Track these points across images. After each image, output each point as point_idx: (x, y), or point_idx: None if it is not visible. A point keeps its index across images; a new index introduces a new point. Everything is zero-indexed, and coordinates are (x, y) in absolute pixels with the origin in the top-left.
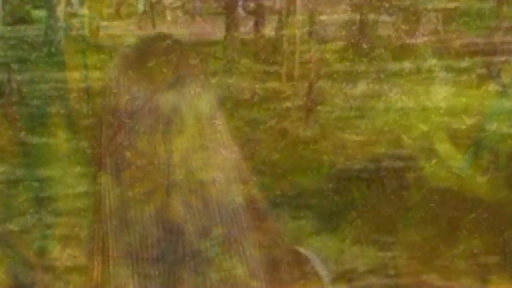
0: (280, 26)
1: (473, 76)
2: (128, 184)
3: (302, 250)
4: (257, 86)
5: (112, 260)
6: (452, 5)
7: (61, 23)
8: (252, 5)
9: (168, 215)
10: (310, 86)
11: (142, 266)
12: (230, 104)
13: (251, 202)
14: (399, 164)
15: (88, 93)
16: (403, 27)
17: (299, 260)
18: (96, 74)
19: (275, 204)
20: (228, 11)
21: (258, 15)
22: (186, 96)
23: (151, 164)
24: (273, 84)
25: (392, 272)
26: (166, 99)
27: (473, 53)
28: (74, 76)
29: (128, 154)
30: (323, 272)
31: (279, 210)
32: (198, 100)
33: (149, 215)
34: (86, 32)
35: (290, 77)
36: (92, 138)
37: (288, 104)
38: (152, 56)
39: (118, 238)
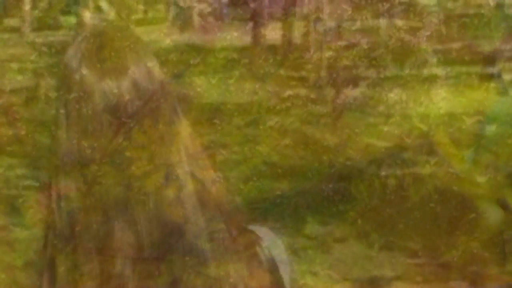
0: (307, 32)
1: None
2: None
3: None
4: (283, 91)
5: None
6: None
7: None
8: (279, 11)
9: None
10: (337, 92)
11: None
12: (256, 110)
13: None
14: (431, 169)
15: None
16: (427, 33)
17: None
18: None
19: (303, 208)
20: (255, 17)
21: (285, 21)
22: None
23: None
24: (300, 90)
25: (419, 278)
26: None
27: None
28: None
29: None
30: (273, 253)
31: (307, 214)
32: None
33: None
34: None
35: (317, 82)
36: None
37: (315, 109)
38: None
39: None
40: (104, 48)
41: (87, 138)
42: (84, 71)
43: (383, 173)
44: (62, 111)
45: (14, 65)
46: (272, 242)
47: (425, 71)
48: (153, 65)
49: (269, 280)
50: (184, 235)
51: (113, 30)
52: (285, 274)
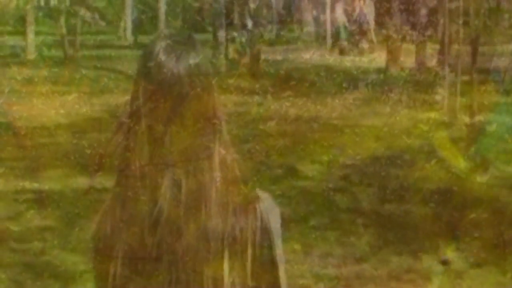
0: (442, 54)
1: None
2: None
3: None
4: (417, 116)
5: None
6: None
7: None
8: (415, 34)
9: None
10: (471, 117)
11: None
12: (387, 134)
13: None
14: None
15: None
16: None
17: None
18: (234, 97)
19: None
20: (390, 40)
21: (419, 45)
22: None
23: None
24: (433, 114)
25: None
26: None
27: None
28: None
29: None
30: (268, 213)
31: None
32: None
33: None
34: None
35: (451, 108)
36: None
37: (447, 135)
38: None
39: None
40: (175, 44)
41: (152, 101)
42: (162, 57)
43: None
44: (139, 80)
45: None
46: (269, 205)
47: None
48: (201, 58)
49: (260, 233)
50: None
51: (179, 35)
52: (276, 231)
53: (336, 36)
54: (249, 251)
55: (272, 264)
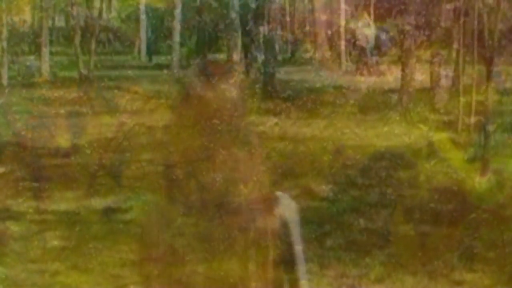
0: (457, 75)
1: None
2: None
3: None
4: (431, 135)
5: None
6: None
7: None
8: (427, 53)
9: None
10: (486, 137)
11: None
12: (403, 154)
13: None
14: None
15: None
16: None
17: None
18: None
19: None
20: (404, 59)
21: (434, 64)
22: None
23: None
24: (448, 134)
25: None
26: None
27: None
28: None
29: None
30: (286, 211)
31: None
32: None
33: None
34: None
35: (465, 127)
36: None
37: (461, 154)
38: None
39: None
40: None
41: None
42: (198, 86)
43: None
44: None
45: (161, 101)
46: (287, 205)
47: None
48: (233, 89)
49: (278, 232)
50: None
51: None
52: (294, 229)
53: (351, 56)
54: (270, 244)
55: (291, 257)
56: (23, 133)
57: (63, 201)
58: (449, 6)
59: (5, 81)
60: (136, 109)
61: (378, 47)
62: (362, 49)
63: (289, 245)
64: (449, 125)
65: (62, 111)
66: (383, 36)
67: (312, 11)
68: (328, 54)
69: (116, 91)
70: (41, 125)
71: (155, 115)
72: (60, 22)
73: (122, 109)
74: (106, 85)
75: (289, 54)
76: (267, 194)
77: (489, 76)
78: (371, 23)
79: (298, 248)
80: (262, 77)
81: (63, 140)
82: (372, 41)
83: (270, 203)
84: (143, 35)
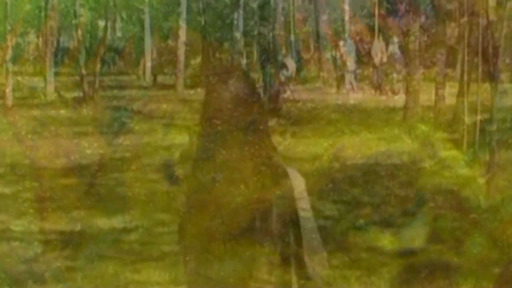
0: (461, 93)
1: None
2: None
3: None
4: (436, 152)
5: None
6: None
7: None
8: (432, 71)
9: None
10: (491, 154)
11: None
12: (406, 171)
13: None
14: None
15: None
16: None
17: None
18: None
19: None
20: (409, 79)
21: (439, 83)
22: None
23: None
24: (453, 152)
25: None
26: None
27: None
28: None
29: None
30: (295, 183)
31: None
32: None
33: None
34: None
35: (470, 144)
36: None
37: (467, 171)
38: None
39: None
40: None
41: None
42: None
43: None
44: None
45: (165, 121)
46: (295, 177)
47: None
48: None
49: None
50: None
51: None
52: (301, 200)
53: (357, 75)
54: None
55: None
56: (27, 153)
57: (69, 221)
58: (453, 24)
59: (10, 102)
60: (142, 129)
61: (392, 64)
62: (374, 67)
63: (297, 215)
64: (455, 143)
65: (67, 131)
66: (397, 54)
67: (317, 29)
68: (333, 73)
69: (121, 111)
70: (46, 145)
71: (159, 135)
72: (65, 43)
73: (127, 129)
74: (111, 105)
75: (293, 73)
76: (277, 168)
77: (494, 93)
78: (381, 40)
79: (309, 217)
80: (266, 96)
81: (67, 160)
82: (384, 59)
83: (280, 175)
84: (148, 55)
